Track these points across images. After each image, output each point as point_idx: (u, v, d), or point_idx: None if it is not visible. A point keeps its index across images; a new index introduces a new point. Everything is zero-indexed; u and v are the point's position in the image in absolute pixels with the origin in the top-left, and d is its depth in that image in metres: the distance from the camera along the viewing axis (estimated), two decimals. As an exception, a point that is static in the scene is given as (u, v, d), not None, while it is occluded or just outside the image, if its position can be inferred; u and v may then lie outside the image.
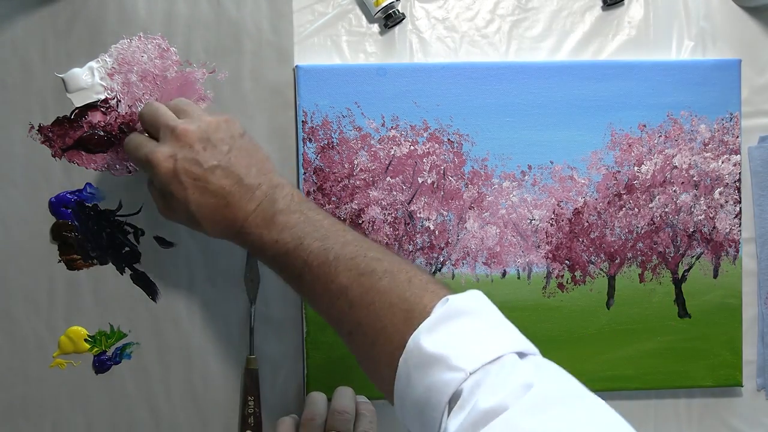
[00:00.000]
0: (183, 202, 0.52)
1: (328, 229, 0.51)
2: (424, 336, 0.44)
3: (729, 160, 0.66)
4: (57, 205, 0.63)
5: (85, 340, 0.63)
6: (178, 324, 0.64)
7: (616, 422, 0.39)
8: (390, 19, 0.64)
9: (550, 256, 0.65)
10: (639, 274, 0.66)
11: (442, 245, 0.64)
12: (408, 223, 0.64)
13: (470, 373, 0.41)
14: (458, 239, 0.65)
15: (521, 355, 0.43)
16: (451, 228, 0.65)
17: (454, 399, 0.41)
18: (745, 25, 0.67)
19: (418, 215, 0.64)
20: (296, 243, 0.51)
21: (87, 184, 0.63)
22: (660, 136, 0.65)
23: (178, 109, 0.55)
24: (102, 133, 0.63)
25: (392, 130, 0.64)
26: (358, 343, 0.48)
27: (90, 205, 0.63)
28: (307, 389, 0.64)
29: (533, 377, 0.40)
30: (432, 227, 0.64)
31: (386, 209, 0.64)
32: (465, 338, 0.44)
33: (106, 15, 0.63)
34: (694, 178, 0.66)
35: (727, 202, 0.66)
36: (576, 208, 0.65)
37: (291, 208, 0.52)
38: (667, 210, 0.66)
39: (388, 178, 0.64)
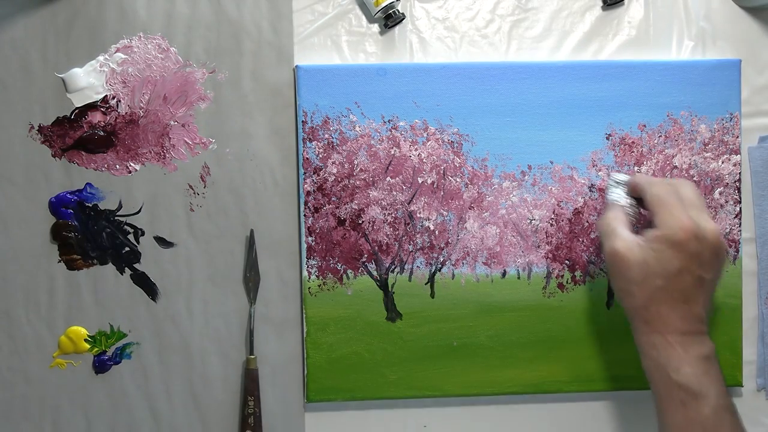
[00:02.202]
0: (658, 269, 0.53)
1: (731, 404, 0.54)
2: None
3: (729, 160, 0.66)
4: (57, 205, 0.63)
5: (85, 340, 0.63)
6: (178, 324, 0.64)
7: None
8: (390, 19, 0.64)
9: (550, 256, 0.65)
10: (639, 274, 0.66)
11: (442, 245, 0.64)
12: (408, 223, 0.64)
13: None
14: (458, 239, 0.65)
15: None
16: (451, 228, 0.65)
17: None
18: (745, 25, 0.67)
19: (418, 215, 0.64)
20: (714, 397, 0.52)
21: (87, 184, 0.63)
22: (660, 136, 0.65)
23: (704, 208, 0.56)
24: (102, 133, 0.63)
25: (392, 130, 0.64)
26: None
27: (90, 205, 0.63)
28: (307, 389, 0.64)
29: None
30: (432, 227, 0.64)
31: (386, 209, 0.64)
32: None
33: (106, 15, 0.63)
34: (694, 178, 0.66)
35: (727, 202, 0.66)
36: (576, 208, 0.65)
37: (719, 368, 0.54)
38: (667, 210, 0.66)
39: (388, 178, 0.64)
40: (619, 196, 0.59)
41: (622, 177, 0.60)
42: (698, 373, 0.53)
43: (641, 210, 0.59)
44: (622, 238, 0.55)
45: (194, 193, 0.64)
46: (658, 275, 0.53)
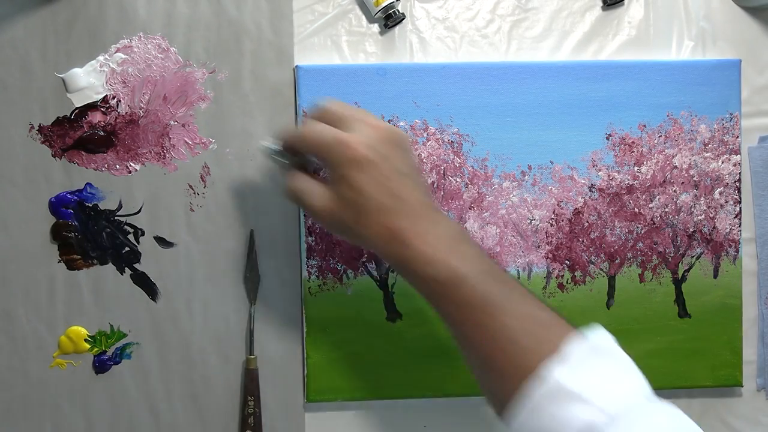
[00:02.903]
0: (356, 193, 0.50)
1: (506, 278, 0.50)
2: (562, 370, 0.44)
3: (729, 160, 0.66)
4: (57, 205, 0.63)
5: (85, 340, 0.63)
6: (178, 324, 0.64)
7: None
8: (390, 19, 0.64)
9: (550, 256, 0.65)
10: (639, 274, 0.66)
11: (442, 245, 0.64)
12: (408, 223, 0.64)
13: (608, 414, 0.42)
14: (458, 239, 0.65)
15: (650, 394, 0.45)
16: (451, 228, 0.64)
17: None
18: (745, 25, 0.67)
19: (418, 215, 0.64)
20: (478, 277, 0.48)
21: (87, 184, 0.63)
22: (660, 136, 0.65)
23: (362, 112, 0.54)
24: (102, 133, 0.63)
25: (392, 130, 0.64)
26: (491, 369, 0.48)
27: (90, 205, 0.63)
28: (307, 389, 0.64)
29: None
30: (432, 227, 0.64)
31: (386, 209, 0.64)
32: (603, 378, 0.45)
33: (106, 15, 0.63)
34: (694, 178, 0.66)
35: (727, 202, 0.66)
36: (576, 208, 0.65)
37: (472, 242, 0.51)
38: (667, 210, 0.66)
39: (388, 178, 0.64)
40: (282, 162, 0.56)
41: (272, 144, 0.56)
42: (445, 259, 0.49)
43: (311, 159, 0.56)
44: (310, 193, 0.52)
45: (194, 193, 0.64)
46: (358, 204, 0.50)
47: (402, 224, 0.50)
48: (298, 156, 0.55)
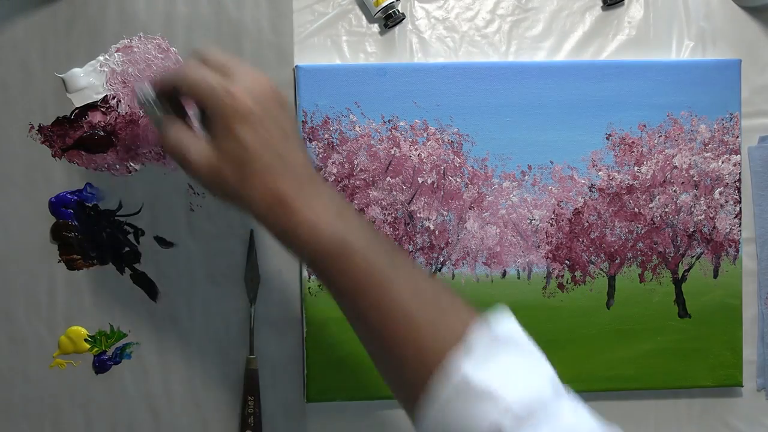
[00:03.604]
0: (242, 149, 0.45)
1: (387, 243, 0.48)
2: (468, 364, 0.42)
3: (729, 160, 0.66)
4: (57, 205, 0.63)
5: (85, 340, 0.63)
6: (178, 324, 0.64)
7: None
8: (390, 19, 0.64)
9: (550, 256, 0.65)
10: (639, 274, 0.66)
11: (442, 245, 0.64)
12: (408, 223, 0.64)
13: (515, 415, 0.41)
14: (458, 239, 0.65)
15: (556, 390, 0.43)
16: (451, 228, 0.65)
17: None
18: (745, 25, 0.67)
19: (418, 215, 0.64)
20: (368, 247, 0.46)
21: (87, 184, 0.63)
22: (660, 136, 0.65)
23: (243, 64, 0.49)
24: (102, 133, 0.63)
25: (392, 130, 0.64)
26: (392, 356, 0.46)
27: (90, 205, 0.63)
28: (307, 389, 0.64)
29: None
30: (432, 227, 0.64)
31: (386, 209, 0.64)
32: (510, 372, 0.43)
33: (106, 15, 0.63)
34: (694, 178, 0.66)
35: (727, 202, 0.66)
36: (576, 208, 0.65)
37: (358, 213, 0.48)
38: (667, 210, 0.66)
39: (388, 178, 0.64)
40: (157, 116, 0.50)
41: (150, 90, 0.49)
42: (332, 228, 0.46)
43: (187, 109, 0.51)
44: (190, 146, 0.47)
45: (194, 193, 0.64)
46: (243, 162, 0.46)
47: (287, 189, 0.46)
48: (175, 108, 0.50)
